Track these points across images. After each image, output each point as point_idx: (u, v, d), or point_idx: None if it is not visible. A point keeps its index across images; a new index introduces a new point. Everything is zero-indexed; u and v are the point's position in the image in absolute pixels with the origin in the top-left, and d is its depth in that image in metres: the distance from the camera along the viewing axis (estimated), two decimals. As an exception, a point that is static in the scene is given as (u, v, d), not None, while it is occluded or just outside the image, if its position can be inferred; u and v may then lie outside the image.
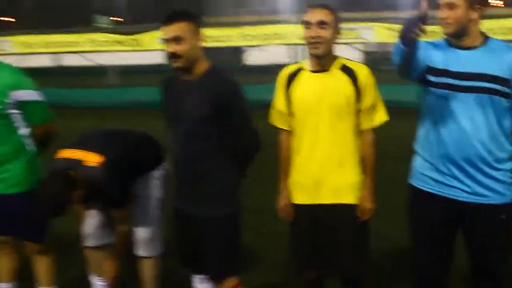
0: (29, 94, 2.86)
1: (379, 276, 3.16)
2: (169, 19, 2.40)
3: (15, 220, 2.87)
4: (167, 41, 2.39)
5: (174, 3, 21.38)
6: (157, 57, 15.99)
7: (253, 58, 17.67)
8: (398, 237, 3.44)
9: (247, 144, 2.55)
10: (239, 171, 2.56)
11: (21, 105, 2.81)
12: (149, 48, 14.37)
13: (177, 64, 2.40)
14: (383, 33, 12.28)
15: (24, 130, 2.91)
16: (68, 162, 2.69)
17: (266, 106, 2.75)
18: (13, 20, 33.54)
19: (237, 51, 18.90)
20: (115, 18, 33.31)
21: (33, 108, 2.88)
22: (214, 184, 2.49)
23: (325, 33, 2.35)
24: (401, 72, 2.28)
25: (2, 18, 32.44)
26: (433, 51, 2.30)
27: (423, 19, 2.05)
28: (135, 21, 28.78)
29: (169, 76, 2.65)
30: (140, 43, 14.25)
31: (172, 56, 2.38)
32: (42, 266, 3.04)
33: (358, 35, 12.44)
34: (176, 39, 2.34)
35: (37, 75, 3.95)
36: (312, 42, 2.37)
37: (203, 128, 2.45)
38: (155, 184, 2.97)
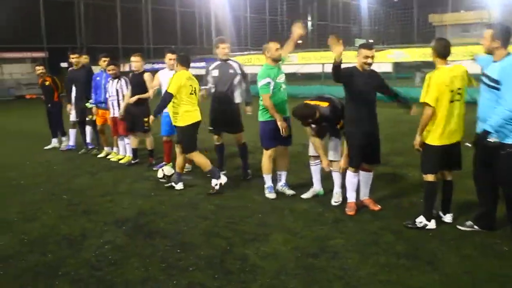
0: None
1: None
2: (371, 46, 5.34)
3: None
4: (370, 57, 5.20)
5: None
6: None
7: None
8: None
9: None
10: None
11: None
12: (381, 61, 20.93)
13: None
14: None
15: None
16: (315, 105, 5.56)
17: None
18: (300, 42, 46.42)
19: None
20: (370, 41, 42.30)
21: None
22: None
23: None
24: None
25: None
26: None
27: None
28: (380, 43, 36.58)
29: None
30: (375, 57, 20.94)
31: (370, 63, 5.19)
32: (285, 160, 6.32)
33: None
34: (373, 57, 5.21)
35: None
36: None
37: None
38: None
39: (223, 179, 6.40)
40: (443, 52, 4.75)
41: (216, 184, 6.36)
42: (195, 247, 4.54)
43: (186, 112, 6.32)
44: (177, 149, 6.72)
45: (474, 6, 43.86)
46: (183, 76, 6.34)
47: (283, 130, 5.83)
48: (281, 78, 6.03)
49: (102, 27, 33.97)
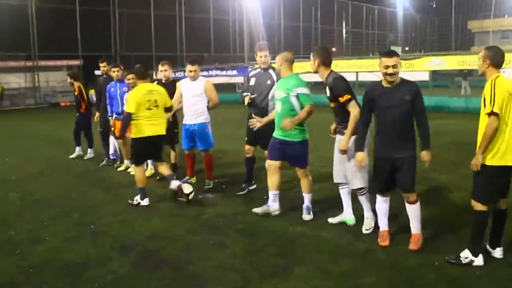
0: (303, 90, 5.31)
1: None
2: (392, 54, 4.48)
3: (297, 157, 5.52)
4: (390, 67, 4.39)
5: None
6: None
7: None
8: None
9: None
10: None
11: (297, 95, 5.31)
12: (418, 69, 20.03)
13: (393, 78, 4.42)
14: None
15: (298, 109, 5.32)
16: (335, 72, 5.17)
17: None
18: (334, 49, 45.38)
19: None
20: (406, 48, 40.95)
21: (304, 97, 5.31)
22: None
23: None
24: None
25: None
26: None
27: None
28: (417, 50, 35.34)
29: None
30: (412, 65, 20.09)
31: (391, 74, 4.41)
32: (305, 182, 5.60)
33: None
34: (394, 66, 4.41)
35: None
36: None
37: None
38: None
39: (145, 203, 6.39)
40: (498, 61, 4.11)
41: (138, 202, 6.42)
42: (205, 282, 4.03)
43: (137, 126, 6.29)
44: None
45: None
46: (139, 91, 6.29)
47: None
48: (278, 94, 5.47)
49: (136, 35, 34.24)
